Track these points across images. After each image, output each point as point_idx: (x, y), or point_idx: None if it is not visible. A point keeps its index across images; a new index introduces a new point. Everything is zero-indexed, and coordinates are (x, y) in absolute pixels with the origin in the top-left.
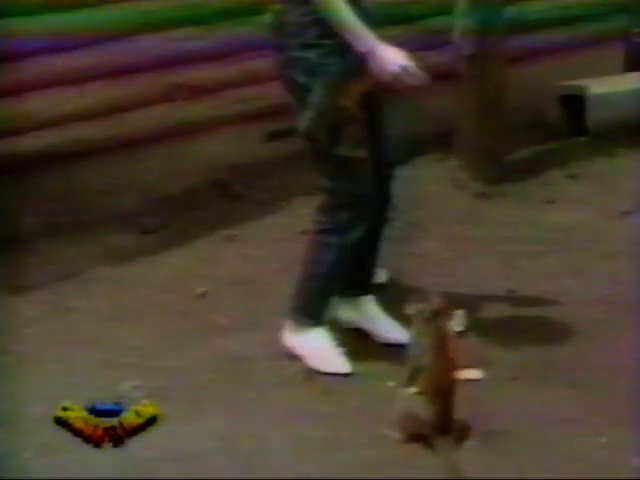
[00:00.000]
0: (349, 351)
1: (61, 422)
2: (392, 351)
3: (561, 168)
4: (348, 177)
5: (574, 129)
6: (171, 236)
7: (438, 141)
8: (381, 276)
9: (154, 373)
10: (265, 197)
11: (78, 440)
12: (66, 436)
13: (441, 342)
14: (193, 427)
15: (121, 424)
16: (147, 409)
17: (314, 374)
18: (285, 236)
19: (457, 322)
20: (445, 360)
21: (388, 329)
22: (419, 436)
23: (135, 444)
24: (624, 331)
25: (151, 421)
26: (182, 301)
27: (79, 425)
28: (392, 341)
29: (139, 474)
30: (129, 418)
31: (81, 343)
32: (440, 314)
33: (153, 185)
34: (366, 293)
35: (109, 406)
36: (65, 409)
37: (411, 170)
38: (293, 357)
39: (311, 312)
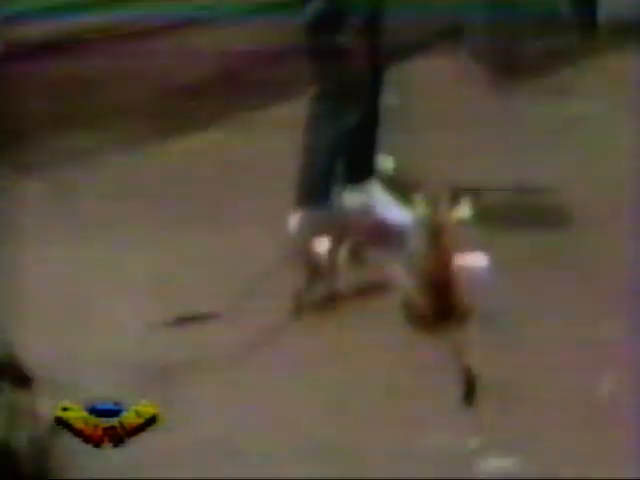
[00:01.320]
0: None
1: (61, 422)
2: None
3: (573, 61)
4: (340, 65)
5: (586, 22)
6: (177, 124)
7: (453, 32)
8: (386, 163)
9: (162, 255)
10: (275, 86)
11: None
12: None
13: (438, 230)
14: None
15: (121, 424)
16: (147, 409)
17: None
18: (294, 125)
19: (462, 210)
20: (441, 250)
21: (394, 212)
22: (421, 319)
23: None
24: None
25: (151, 421)
26: (187, 187)
27: (79, 425)
28: (398, 223)
29: None
30: (129, 418)
31: (89, 223)
32: (441, 202)
33: (160, 75)
34: (370, 178)
35: (109, 406)
36: (65, 409)
37: (422, 62)
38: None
39: (313, 198)
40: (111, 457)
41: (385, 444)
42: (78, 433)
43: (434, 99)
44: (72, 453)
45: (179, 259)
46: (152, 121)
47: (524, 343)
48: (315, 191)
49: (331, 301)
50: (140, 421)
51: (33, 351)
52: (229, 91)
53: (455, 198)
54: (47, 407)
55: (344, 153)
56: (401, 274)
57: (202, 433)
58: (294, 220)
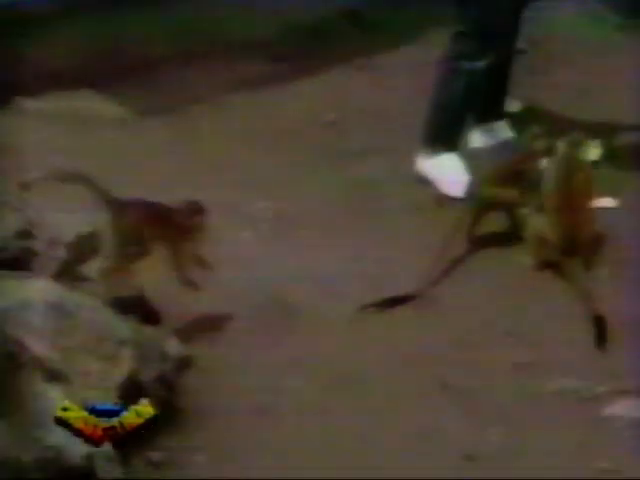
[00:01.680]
0: None
1: (61, 422)
2: None
3: None
4: (484, 5)
5: None
6: (303, 64)
7: None
8: (514, 105)
9: (285, 196)
10: (398, 27)
11: None
12: None
13: (570, 169)
14: (322, 251)
15: (121, 424)
16: (147, 409)
17: (444, 199)
18: (419, 65)
19: (592, 151)
20: (573, 186)
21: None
22: (549, 262)
23: None
24: None
25: (151, 421)
26: (313, 128)
27: (79, 425)
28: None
29: None
30: (129, 418)
31: (213, 163)
32: (573, 143)
33: (284, 13)
34: (498, 119)
35: (109, 406)
36: (65, 409)
37: (550, 3)
38: (424, 182)
39: (444, 138)
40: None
41: (512, 387)
42: (78, 433)
43: (561, 39)
44: (197, 392)
45: (308, 200)
46: (277, 62)
47: None
48: (449, 132)
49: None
50: (140, 421)
51: (160, 287)
52: (354, 32)
53: (587, 139)
54: (174, 344)
55: (479, 94)
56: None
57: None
58: (422, 160)
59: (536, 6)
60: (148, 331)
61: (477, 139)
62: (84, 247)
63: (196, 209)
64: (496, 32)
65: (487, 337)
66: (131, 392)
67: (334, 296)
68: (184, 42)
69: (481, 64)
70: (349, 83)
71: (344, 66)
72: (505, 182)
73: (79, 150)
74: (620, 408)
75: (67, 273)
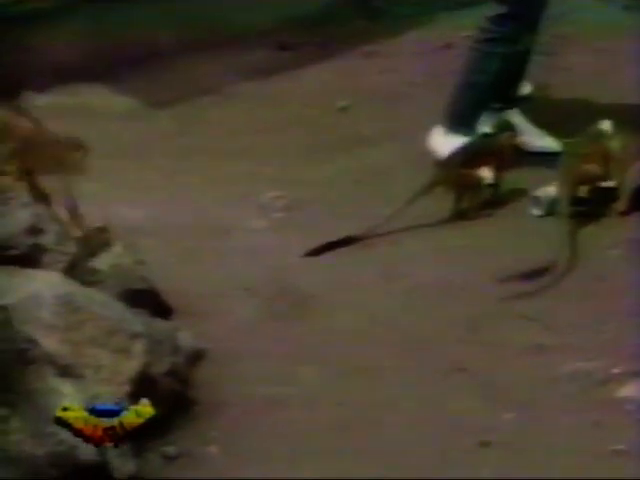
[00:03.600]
0: None
1: (61, 422)
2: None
3: None
4: None
5: None
6: (310, 52)
7: None
8: (525, 89)
9: (297, 184)
10: (407, 11)
11: None
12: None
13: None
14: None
15: (121, 424)
16: (147, 409)
17: None
18: (427, 50)
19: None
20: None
21: (535, 138)
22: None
23: None
24: None
25: (151, 421)
26: (324, 115)
27: (79, 425)
28: (539, 149)
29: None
30: (129, 418)
31: (223, 154)
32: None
33: (291, 1)
34: (512, 106)
35: (109, 406)
36: (65, 409)
37: None
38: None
39: (466, 120)
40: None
41: (526, 371)
42: (78, 433)
43: (570, 20)
44: (210, 384)
45: (315, 186)
46: (283, 50)
47: None
48: (472, 115)
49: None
50: (140, 421)
51: (172, 280)
52: (359, 20)
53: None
54: (186, 336)
55: (509, 78)
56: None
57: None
58: (437, 140)
59: None
60: (160, 324)
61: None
62: (94, 242)
63: (75, 145)
64: (539, 14)
65: (502, 319)
66: (144, 386)
67: (346, 284)
68: (189, 32)
69: (519, 47)
70: (358, 69)
71: (352, 53)
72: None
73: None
74: (634, 390)
75: (77, 268)
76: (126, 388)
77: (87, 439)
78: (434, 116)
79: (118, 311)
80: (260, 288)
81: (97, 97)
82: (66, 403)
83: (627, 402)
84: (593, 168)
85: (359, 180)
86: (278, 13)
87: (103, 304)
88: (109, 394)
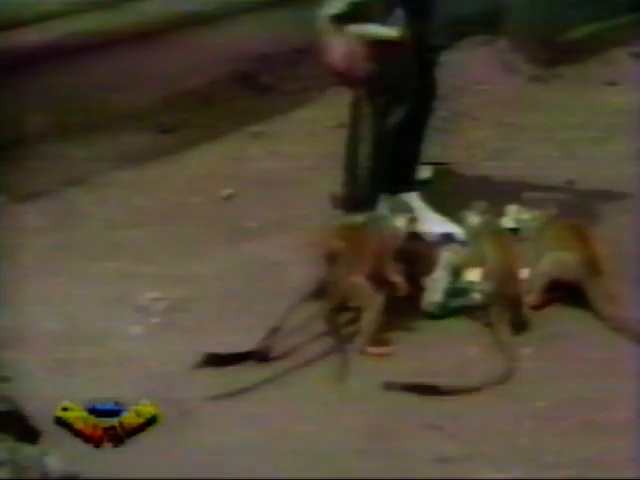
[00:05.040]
0: None
1: (61, 422)
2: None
3: (623, 46)
4: (386, 60)
5: (636, 3)
6: (192, 134)
7: (485, 21)
8: (424, 172)
9: (177, 283)
10: (295, 88)
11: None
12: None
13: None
14: (222, 340)
15: (121, 424)
16: (147, 409)
17: None
18: (318, 130)
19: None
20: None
21: (434, 224)
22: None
23: None
24: None
25: (151, 421)
26: (206, 204)
27: (79, 425)
28: (438, 236)
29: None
30: (129, 418)
31: (95, 253)
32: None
33: (170, 79)
34: (409, 189)
35: (109, 406)
36: (65, 409)
37: (457, 54)
38: None
39: (359, 204)
40: None
41: None
42: (78, 433)
43: (472, 94)
44: None
45: (199, 284)
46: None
47: None
48: (363, 194)
49: None
50: (140, 421)
51: (41, 397)
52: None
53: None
54: (55, 461)
55: (387, 157)
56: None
57: None
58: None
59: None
60: (26, 449)
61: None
62: None
63: None
64: (405, 87)
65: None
66: None
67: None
68: (58, 115)
69: (390, 121)
70: (244, 153)
71: (237, 134)
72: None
73: None
74: None
75: None
76: None
77: (87, 439)
78: (325, 203)
79: None
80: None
81: None
82: (66, 403)
83: None
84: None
85: (246, 276)
86: (158, 91)
87: None
88: None
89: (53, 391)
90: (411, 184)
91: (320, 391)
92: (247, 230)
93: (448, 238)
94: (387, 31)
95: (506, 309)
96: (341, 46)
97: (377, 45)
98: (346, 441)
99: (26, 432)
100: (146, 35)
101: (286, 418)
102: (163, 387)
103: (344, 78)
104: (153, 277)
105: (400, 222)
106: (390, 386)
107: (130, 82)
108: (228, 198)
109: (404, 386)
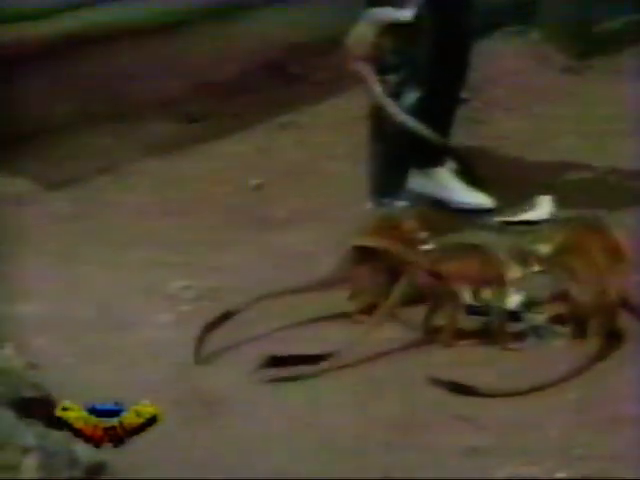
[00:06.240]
0: None
1: (61, 422)
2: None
3: None
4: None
5: None
6: (220, 125)
7: (519, 11)
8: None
9: (206, 272)
10: (324, 78)
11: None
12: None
13: None
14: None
15: (121, 424)
16: (147, 409)
17: None
18: (347, 120)
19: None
20: None
21: (464, 195)
22: None
23: None
24: None
25: (151, 421)
26: (235, 194)
27: (79, 425)
28: (468, 206)
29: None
30: (129, 418)
31: (123, 241)
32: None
33: (200, 69)
34: (439, 163)
35: (109, 406)
36: (65, 409)
37: (489, 44)
38: None
39: (387, 190)
40: None
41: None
42: (78, 433)
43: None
44: None
45: (228, 273)
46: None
47: None
48: (391, 182)
49: None
50: (140, 421)
51: (70, 384)
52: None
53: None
54: (84, 448)
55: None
56: None
57: None
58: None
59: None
60: (55, 435)
61: (417, 185)
62: None
63: None
64: (419, 68)
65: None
66: None
67: (259, 382)
68: (86, 104)
69: (403, 102)
70: (273, 143)
71: (266, 125)
72: None
73: None
74: None
75: None
76: None
77: (87, 439)
78: (355, 192)
79: (7, 423)
80: (166, 390)
81: None
82: (66, 403)
83: None
84: None
85: (275, 266)
86: (186, 81)
87: None
88: None
89: (82, 378)
90: (441, 159)
91: (349, 382)
92: (276, 220)
93: (481, 210)
94: (402, 14)
95: (604, 320)
96: (357, 30)
97: (392, 28)
98: (373, 433)
99: (55, 418)
100: (176, 25)
101: (313, 409)
102: (191, 375)
103: (360, 62)
104: (182, 266)
105: None
106: (436, 382)
107: (159, 72)
108: (257, 188)
109: (450, 384)
